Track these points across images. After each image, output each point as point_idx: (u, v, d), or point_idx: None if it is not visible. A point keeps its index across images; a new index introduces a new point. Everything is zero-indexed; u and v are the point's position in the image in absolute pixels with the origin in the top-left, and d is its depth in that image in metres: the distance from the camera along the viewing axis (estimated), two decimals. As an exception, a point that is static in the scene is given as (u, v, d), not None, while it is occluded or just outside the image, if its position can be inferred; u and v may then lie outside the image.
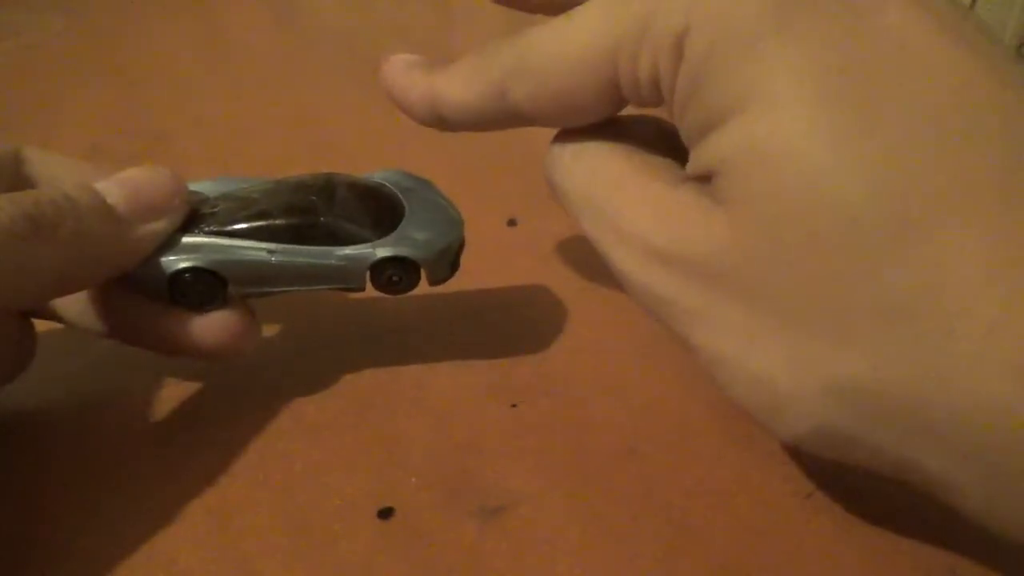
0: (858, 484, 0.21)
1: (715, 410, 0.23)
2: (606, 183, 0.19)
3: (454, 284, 0.24)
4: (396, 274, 0.22)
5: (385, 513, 0.21)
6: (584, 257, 0.31)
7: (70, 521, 0.21)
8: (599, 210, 0.19)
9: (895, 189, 0.14)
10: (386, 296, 0.23)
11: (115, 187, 0.21)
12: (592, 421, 0.24)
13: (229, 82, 0.47)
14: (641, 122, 0.21)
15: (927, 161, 0.14)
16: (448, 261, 0.23)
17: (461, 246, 0.24)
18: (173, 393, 0.25)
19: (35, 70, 0.49)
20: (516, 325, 0.28)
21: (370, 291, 0.23)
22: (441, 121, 0.22)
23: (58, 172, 0.23)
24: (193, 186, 0.23)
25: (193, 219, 0.22)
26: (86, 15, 0.56)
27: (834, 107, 0.15)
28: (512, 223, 0.33)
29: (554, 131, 0.22)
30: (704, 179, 0.17)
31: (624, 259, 0.18)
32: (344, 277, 0.22)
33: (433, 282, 0.23)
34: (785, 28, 0.15)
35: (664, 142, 0.20)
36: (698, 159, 0.17)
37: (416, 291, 0.23)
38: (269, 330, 0.27)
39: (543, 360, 0.26)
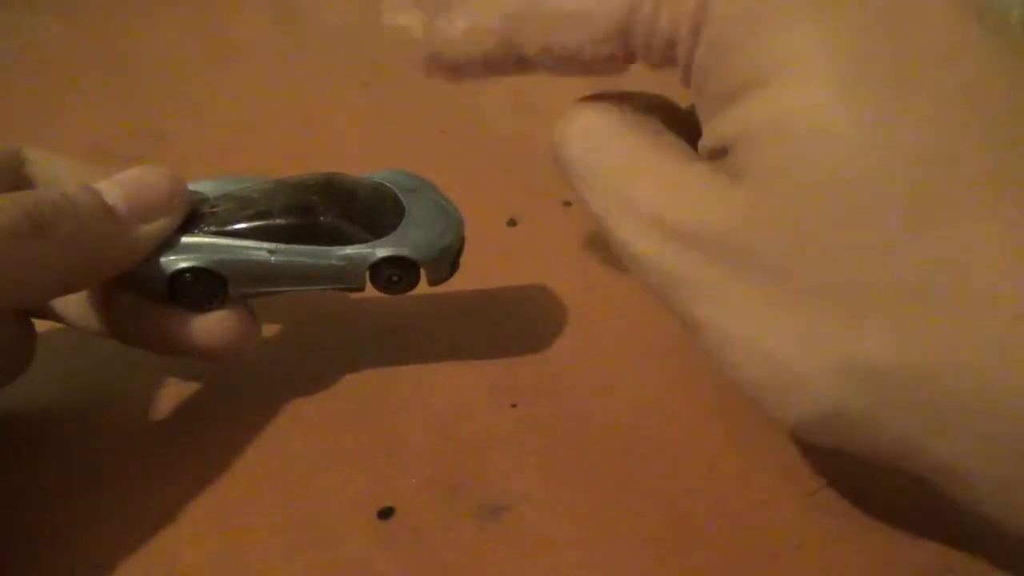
0: (858, 484, 0.21)
1: (715, 410, 0.23)
2: (617, 158, 0.19)
3: (454, 284, 0.24)
4: (396, 274, 0.22)
5: (385, 513, 0.21)
6: (584, 257, 0.31)
7: (70, 521, 0.21)
8: (608, 185, 0.19)
9: (924, 169, 0.14)
10: (386, 296, 0.23)
11: (115, 187, 0.21)
12: (592, 421, 0.24)
13: (229, 82, 0.47)
14: (649, 99, 0.20)
15: (957, 143, 0.14)
16: (448, 261, 0.23)
17: (461, 246, 0.24)
18: (173, 393, 0.25)
19: (35, 70, 0.49)
20: (516, 325, 0.28)
21: (370, 291, 0.23)
22: (444, 69, 0.21)
23: (58, 172, 0.23)
24: (193, 186, 0.23)
25: (193, 219, 0.22)
26: (86, 15, 0.56)
27: (866, 83, 0.14)
28: (512, 223, 0.33)
29: (555, 116, 0.21)
30: (719, 153, 0.17)
31: (633, 235, 0.18)
32: (344, 277, 0.22)
33: (433, 282, 0.23)
34: (820, 1, 0.15)
35: (671, 121, 0.20)
36: (716, 130, 0.17)
37: (416, 291, 0.23)
38: (269, 330, 0.27)
39: (543, 360, 0.26)
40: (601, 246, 0.31)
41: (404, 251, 0.22)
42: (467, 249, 0.24)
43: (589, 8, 0.18)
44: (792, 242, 0.15)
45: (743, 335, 0.16)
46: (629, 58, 0.19)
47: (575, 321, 0.28)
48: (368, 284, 0.23)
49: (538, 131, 0.21)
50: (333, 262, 0.22)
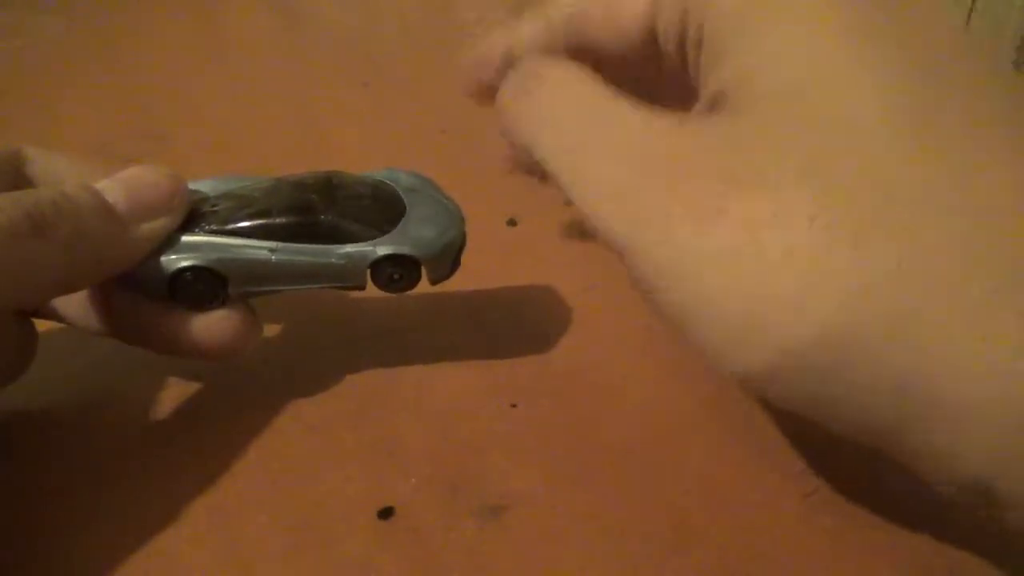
0: (857, 484, 0.21)
1: (715, 409, 0.23)
2: (580, 103, 0.19)
3: (454, 284, 0.24)
4: (397, 272, 0.22)
5: (385, 513, 0.21)
6: (584, 257, 0.31)
7: (70, 521, 0.21)
8: (570, 136, 0.19)
9: (923, 98, 0.15)
10: (387, 295, 0.23)
11: (115, 186, 0.21)
12: (592, 421, 0.24)
13: (229, 82, 0.47)
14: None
15: (951, 86, 0.15)
16: (449, 259, 0.23)
17: (462, 244, 0.24)
18: (173, 393, 0.25)
19: (35, 70, 0.49)
20: (516, 325, 0.28)
21: (371, 290, 0.23)
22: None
23: (59, 171, 0.23)
24: (193, 185, 0.23)
25: (193, 218, 0.22)
26: (87, 15, 0.56)
27: (862, 32, 0.16)
28: (512, 223, 0.33)
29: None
30: (715, 103, 0.17)
31: (597, 181, 0.18)
32: (345, 275, 0.22)
33: (434, 280, 0.23)
34: None
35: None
36: (708, 86, 0.18)
37: (416, 290, 0.23)
38: (269, 330, 0.27)
39: (543, 360, 0.26)
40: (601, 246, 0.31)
41: (405, 249, 0.22)
42: (467, 249, 0.24)
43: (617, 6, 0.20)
44: (773, 150, 0.15)
45: (716, 279, 0.15)
46: (657, 58, 0.20)
47: (575, 321, 0.28)
48: (369, 283, 0.23)
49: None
50: (334, 260, 0.22)
